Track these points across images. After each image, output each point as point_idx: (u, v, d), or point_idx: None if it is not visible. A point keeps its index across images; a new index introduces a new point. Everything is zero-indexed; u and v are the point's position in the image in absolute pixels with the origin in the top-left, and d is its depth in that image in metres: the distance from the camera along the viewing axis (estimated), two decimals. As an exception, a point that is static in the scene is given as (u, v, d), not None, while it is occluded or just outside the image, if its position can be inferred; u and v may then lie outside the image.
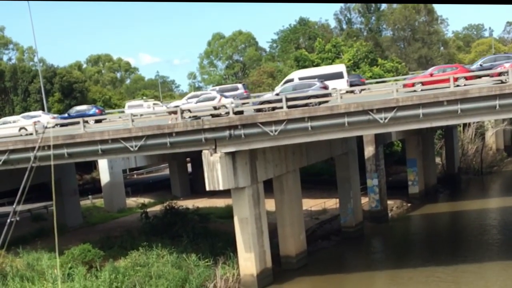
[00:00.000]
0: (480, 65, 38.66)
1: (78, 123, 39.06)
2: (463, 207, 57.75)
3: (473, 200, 60.85)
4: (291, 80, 42.96)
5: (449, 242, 46.66)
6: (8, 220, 22.15)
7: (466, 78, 35.88)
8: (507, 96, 33.08)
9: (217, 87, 48.82)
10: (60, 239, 44.20)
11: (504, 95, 33.03)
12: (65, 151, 38.25)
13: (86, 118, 41.21)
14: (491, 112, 34.67)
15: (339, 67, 44.50)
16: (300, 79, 42.49)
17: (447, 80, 34.54)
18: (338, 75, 42.21)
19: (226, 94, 43.25)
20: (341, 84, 41.47)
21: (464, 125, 74.04)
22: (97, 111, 46.91)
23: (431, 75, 38.15)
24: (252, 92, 69.73)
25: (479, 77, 36.31)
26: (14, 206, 22.84)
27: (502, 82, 34.11)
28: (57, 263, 35.08)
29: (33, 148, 37.63)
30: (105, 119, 41.60)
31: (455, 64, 40.67)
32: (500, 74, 34.81)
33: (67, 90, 75.72)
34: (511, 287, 35.33)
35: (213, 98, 40.43)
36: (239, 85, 47.50)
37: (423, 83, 37.02)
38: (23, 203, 26.76)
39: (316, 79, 41.27)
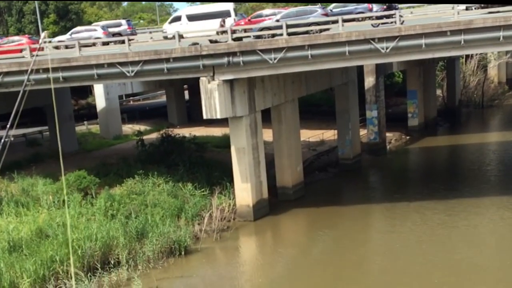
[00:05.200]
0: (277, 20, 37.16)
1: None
2: (462, 140, 57.39)
3: (473, 133, 60.46)
4: (179, 18, 42.74)
5: (446, 176, 46.48)
6: (2, 141, 21.66)
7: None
8: (511, 28, 32.13)
9: (101, 23, 49.52)
10: (56, 165, 44.02)
11: (509, 26, 32.11)
12: (60, 74, 37.47)
13: None
14: (494, 44, 33.92)
15: (227, 5, 44.01)
16: (188, 16, 42.35)
17: None
18: (225, 14, 41.77)
19: (109, 29, 44.88)
20: (229, 23, 40.72)
21: (467, 57, 72.90)
22: None
23: None
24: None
25: None
26: (7, 127, 22.28)
27: None
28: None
29: (27, 71, 36.83)
30: None
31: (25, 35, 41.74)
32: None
33: (63, 11, 74.06)
34: (507, 222, 35.31)
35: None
36: (123, 21, 48.34)
37: None
38: (18, 127, 26.18)
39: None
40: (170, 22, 43.43)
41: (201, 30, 39.23)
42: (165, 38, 40.02)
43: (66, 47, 40.68)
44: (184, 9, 46.58)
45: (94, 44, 38.48)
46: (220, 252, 34.71)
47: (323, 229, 36.45)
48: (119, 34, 44.53)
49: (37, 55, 29.95)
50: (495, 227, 34.81)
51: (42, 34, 24.87)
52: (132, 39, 39.88)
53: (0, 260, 28.91)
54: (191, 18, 42.20)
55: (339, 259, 32.14)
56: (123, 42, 39.61)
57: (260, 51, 34.76)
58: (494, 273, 29.06)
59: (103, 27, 45.13)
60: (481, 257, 30.77)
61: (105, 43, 40.52)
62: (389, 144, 56.75)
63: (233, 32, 36.27)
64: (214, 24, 40.46)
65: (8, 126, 22.48)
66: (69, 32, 45.93)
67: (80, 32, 44.38)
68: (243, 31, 37.08)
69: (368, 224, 37.97)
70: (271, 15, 39.08)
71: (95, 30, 44.24)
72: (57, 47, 40.63)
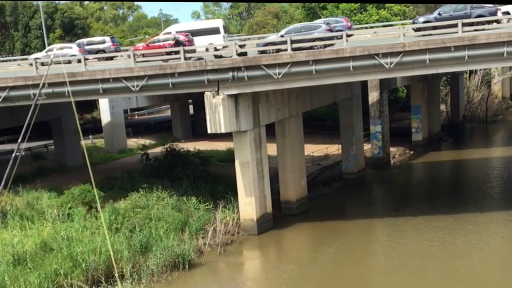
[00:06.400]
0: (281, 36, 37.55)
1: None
2: (466, 155, 57.40)
3: (476, 148, 60.50)
4: (169, 34, 43.25)
5: (450, 191, 46.51)
6: (13, 155, 21.87)
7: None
8: (515, 43, 32.34)
9: (85, 40, 49.69)
10: (60, 179, 44.33)
11: (512, 42, 32.30)
12: (66, 89, 37.65)
13: None
14: (498, 59, 34.08)
15: (217, 23, 44.95)
16: (178, 33, 43.03)
17: None
18: (215, 31, 42.78)
19: (92, 47, 45.40)
20: (218, 40, 41.91)
21: (471, 72, 73.06)
22: None
23: None
24: (257, 34, 68.77)
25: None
26: (19, 141, 22.46)
27: None
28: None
29: (33, 85, 37.14)
30: None
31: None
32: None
33: (69, 26, 74.70)
34: (507, 239, 35.20)
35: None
36: (107, 38, 48.33)
37: None
38: (23, 141, 26.49)
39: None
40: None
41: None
42: None
43: (42, 64, 41.35)
44: (174, 25, 47.16)
45: (69, 62, 39.05)
46: (223, 266, 34.71)
47: (325, 244, 36.48)
48: (103, 51, 44.81)
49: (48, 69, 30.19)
50: (494, 245, 34.45)
51: (54, 49, 25.21)
52: (116, 56, 40.74)
53: (4, 273, 28.97)
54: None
55: (340, 275, 32.05)
56: (106, 59, 40.02)
57: (264, 66, 34.97)
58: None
59: (78, 45, 45.63)
60: (478, 276, 30.48)
61: (79, 61, 41.08)
62: (393, 158, 56.80)
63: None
64: (203, 41, 40.95)
65: (19, 140, 22.64)
66: (45, 50, 46.83)
67: (56, 50, 44.99)
68: (141, 55, 38.56)
69: (370, 240, 37.80)
70: (167, 40, 40.43)
71: (70, 47, 44.79)
72: (31, 64, 41.21)
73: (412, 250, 34.47)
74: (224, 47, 39.87)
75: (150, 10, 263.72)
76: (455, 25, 33.70)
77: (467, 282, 29.81)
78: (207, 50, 38.92)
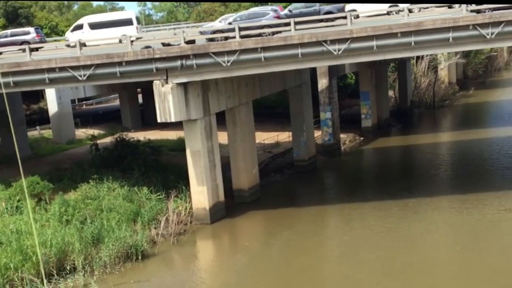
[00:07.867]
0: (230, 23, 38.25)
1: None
2: (415, 141, 58.32)
3: (424, 134, 61.48)
4: (81, 26, 43.52)
5: (400, 176, 47.18)
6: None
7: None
8: (460, 29, 32.94)
9: (9, 31, 49.29)
10: (8, 171, 43.35)
11: (457, 28, 32.90)
12: (10, 79, 36.91)
13: None
14: (444, 45, 34.60)
15: (129, 14, 45.30)
16: (90, 24, 43.38)
17: None
18: (127, 22, 43.06)
19: (16, 38, 44.93)
20: (131, 31, 41.97)
21: (417, 58, 74.10)
22: None
23: None
24: (204, 21, 68.37)
25: None
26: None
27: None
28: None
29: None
30: None
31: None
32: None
33: (12, 15, 72.98)
34: (460, 222, 35.90)
35: None
36: (31, 29, 47.92)
37: None
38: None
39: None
40: (72, 30, 43.68)
41: (104, 38, 39.90)
42: (68, 46, 40.12)
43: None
44: (86, 17, 46.75)
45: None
46: (177, 256, 34.63)
47: (277, 232, 36.66)
48: (27, 42, 44.05)
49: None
50: (437, 232, 34.79)
51: None
52: (42, 47, 41.38)
53: (-49, 269, 28.37)
54: (93, 26, 42.91)
55: (290, 264, 32.02)
56: (24, 50, 39.16)
57: (213, 54, 34.83)
58: (436, 280, 28.96)
59: (10, 36, 45.26)
60: (424, 264, 30.55)
61: None
62: (343, 145, 57.36)
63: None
64: (116, 32, 40.81)
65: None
66: None
67: None
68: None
69: (320, 228, 37.78)
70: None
71: None
72: None
73: (359, 239, 34.57)
74: (138, 38, 39.63)
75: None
76: (303, 22, 35.49)
77: (412, 270, 29.89)
78: (120, 41, 38.85)
